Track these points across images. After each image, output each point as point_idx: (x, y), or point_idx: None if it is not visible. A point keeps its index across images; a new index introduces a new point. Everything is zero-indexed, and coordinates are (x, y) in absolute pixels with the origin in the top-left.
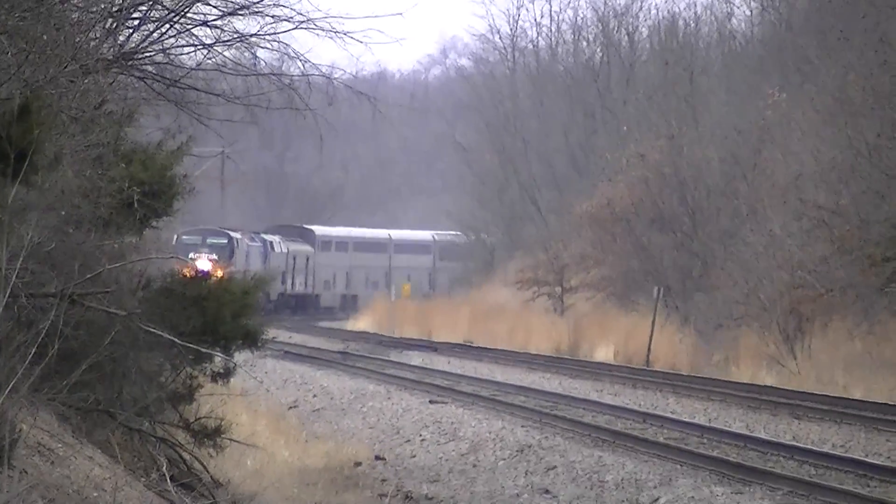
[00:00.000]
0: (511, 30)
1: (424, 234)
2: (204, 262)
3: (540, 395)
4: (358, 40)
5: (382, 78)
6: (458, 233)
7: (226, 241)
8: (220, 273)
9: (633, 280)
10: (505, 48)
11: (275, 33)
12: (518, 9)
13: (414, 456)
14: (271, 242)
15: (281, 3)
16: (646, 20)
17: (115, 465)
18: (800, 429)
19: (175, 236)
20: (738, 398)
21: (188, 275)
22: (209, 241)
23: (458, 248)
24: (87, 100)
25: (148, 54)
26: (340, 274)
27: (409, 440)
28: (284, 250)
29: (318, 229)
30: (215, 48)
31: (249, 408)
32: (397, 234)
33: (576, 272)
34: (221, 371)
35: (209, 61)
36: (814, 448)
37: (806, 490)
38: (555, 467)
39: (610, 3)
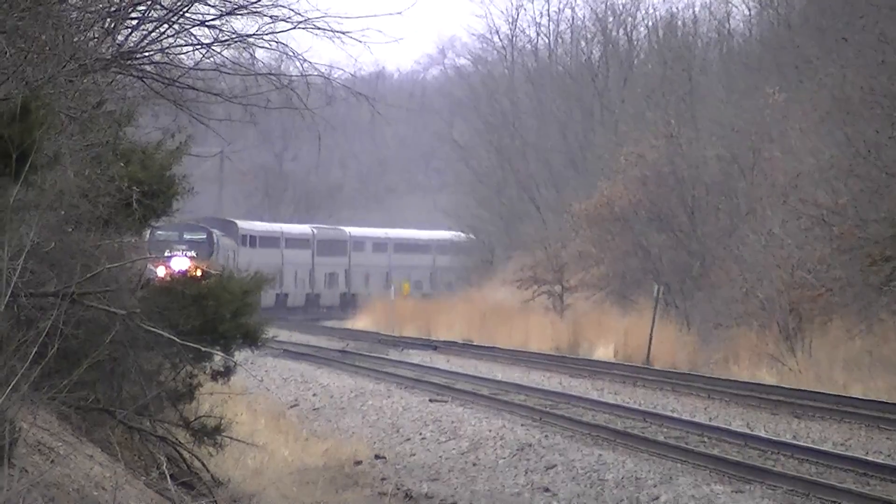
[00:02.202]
0: (510, 29)
1: (304, 229)
2: (181, 261)
3: (540, 394)
4: (356, 40)
5: (381, 77)
6: (335, 227)
7: (205, 236)
8: (199, 272)
9: (632, 279)
10: (503, 48)
11: (273, 33)
12: (517, 9)
13: (414, 454)
14: (217, 236)
15: (279, 2)
16: (644, 20)
17: (115, 463)
18: (800, 427)
19: (148, 232)
20: (738, 397)
21: (166, 276)
22: (186, 236)
23: (334, 244)
24: (85, 99)
25: (146, 54)
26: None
27: (409, 439)
28: (221, 245)
29: (241, 223)
30: (214, 48)
31: (249, 406)
32: (287, 228)
33: (575, 271)
34: (221, 370)
35: (208, 61)
36: (814, 446)
37: (806, 489)
38: (555, 466)
39: (608, 3)
